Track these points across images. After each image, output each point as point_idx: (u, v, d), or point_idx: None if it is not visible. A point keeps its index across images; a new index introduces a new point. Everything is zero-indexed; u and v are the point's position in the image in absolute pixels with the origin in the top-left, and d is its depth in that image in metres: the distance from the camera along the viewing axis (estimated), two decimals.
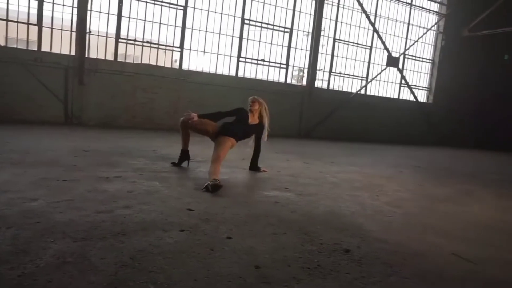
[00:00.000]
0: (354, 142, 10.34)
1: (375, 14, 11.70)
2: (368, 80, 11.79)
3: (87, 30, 7.99)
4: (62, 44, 7.91)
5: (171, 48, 9.08)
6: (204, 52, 9.43)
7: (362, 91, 11.76)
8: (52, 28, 7.82)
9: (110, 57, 8.46)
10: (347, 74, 11.53)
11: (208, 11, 9.33)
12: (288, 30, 10.39)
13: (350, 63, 11.54)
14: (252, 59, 10.00)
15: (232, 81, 9.60)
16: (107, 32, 8.29)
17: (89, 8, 8.00)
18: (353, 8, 11.29)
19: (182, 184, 3.35)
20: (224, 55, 9.67)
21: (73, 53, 7.98)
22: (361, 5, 10.94)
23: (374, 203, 3.37)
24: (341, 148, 8.53)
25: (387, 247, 2.26)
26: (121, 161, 4.19)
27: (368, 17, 11.16)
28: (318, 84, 11.07)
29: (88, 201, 2.58)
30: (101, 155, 4.45)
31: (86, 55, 7.99)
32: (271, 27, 10.16)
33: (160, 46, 8.92)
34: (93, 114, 8.14)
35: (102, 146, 5.16)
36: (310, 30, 10.72)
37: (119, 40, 8.41)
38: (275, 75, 10.45)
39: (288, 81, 10.70)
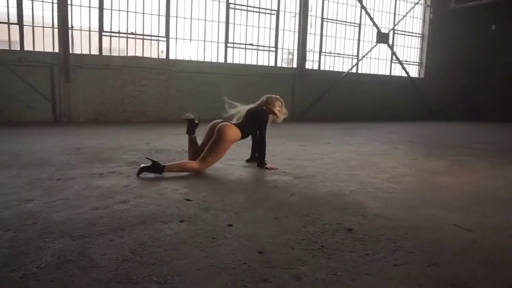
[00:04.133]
0: (348, 122, 10.35)
1: None
2: (359, 58, 11.74)
3: (70, 26, 7.82)
4: (45, 41, 7.73)
5: (156, 38, 8.93)
6: (190, 40, 9.30)
7: (354, 70, 11.71)
8: (33, 26, 7.63)
9: (95, 51, 8.31)
10: (338, 54, 11.45)
11: None
12: (275, 12, 10.26)
13: (339, 42, 11.46)
14: (240, 44, 9.88)
15: (222, 68, 9.50)
16: (90, 26, 8.12)
17: (69, 2, 7.81)
18: None
19: (178, 175, 3.33)
20: (212, 41, 9.54)
21: (57, 50, 7.82)
22: None
23: (373, 180, 3.38)
24: (335, 128, 8.53)
25: (389, 223, 2.27)
26: (114, 156, 4.15)
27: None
28: (308, 65, 11.00)
29: (84, 198, 2.55)
30: (93, 151, 4.40)
31: (71, 51, 7.84)
32: (257, 9, 10.02)
33: (145, 37, 8.77)
34: (83, 111, 8.03)
35: (94, 142, 5.11)
36: (297, 11, 10.59)
37: (103, 33, 8.25)
38: (264, 59, 10.36)
39: (278, 64, 10.61)
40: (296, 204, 2.58)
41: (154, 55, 9.15)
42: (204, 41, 9.46)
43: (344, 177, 3.48)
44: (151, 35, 8.83)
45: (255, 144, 3.98)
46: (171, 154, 4.29)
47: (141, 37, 8.70)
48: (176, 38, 9.09)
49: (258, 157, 3.77)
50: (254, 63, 10.15)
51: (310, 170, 3.73)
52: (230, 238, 1.96)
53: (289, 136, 6.59)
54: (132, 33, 8.58)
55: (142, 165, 3.26)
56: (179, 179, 3.20)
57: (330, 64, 11.42)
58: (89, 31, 8.14)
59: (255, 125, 3.70)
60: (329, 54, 11.34)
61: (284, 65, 11.05)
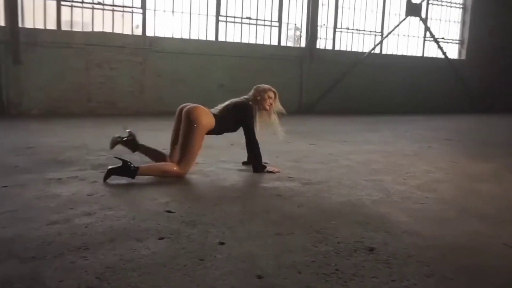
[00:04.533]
0: (369, 115, 10.37)
1: None
2: (384, 36, 11.75)
3: None
4: None
5: (130, 10, 8.92)
6: (173, 12, 9.29)
7: (377, 50, 11.72)
8: None
9: (52, 25, 8.29)
10: (357, 30, 11.47)
11: None
12: None
13: (359, 15, 11.47)
14: (235, 18, 9.89)
15: (212, 47, 9.50)
16: None
17: None
18: None
19: (157, 181, 3.32)
20: (199, 14, 9.55)
21: (2, 23, 7.80)
22: None
23: (400, 188, 3.38)
24: (353, 123, 8.52)
25: (420, 242, 2.26)
26: (76, 157, 4.14)
27: None
28: (320, 44, 11.01)
29: (38, 210, 2.54)
30: (50, 151, 4.39)
31: (20, 25, 7.83)
32: None
33: (115, 8, 8.76)
34: (36, 101, 8.02)
35: (51, 140, 5.09)
36: None
37: (62, 3, 8.23)
38: (265, 37, 10.36)
39: (283, 43, 10.62)
40: (304, 217, 2.58)
41: (127, 31, 9.13)
42: (190, 13, 9.46)
43: (365, 183, 3.49)
44: (123, 6, 8.83)
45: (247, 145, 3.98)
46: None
47: (110, 8, 8.69)
48: (155, 10, 9.08)
49: (253, 161, 3.80)
50: (252, 41, 10.16)
51: (322, 175, 3.73)
52: (222, 260, 1.96)
53: (296, 133, 6.58)
54: (99, 3, 8.57)
55: (109, 167, 3.25)
56: (158, 185, 3.20)
57: (347, 43, 11.44)
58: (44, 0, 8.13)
59: (233, 121, 3.71)
60: (345, 31, 11.35)
61: (290, 44, 11.06)
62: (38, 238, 2.14)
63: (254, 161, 3.78)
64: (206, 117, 3.48)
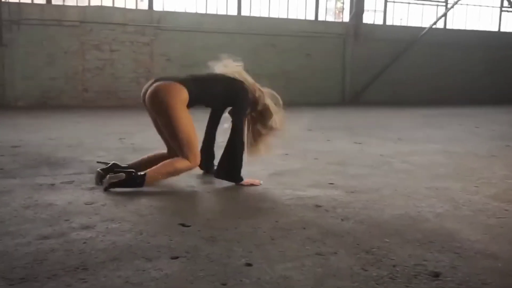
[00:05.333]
0: (430, 106, 10.23)
1: None
2: (449, 6, 11.55)
3: None
4: None
5: None
6: None
7: (439, 24, 11.54)
8: None
9: None
10: None
11: None
12: None
13: None
14: None
15: (232, 23, 9.55)
16: None
17: None
18: None
19: (168, 187, 3.35)
20: None
21: None
22: None
23: (472, 198, 3.33)
24: (411, 116, 8.42)
25: (499, 266, 2.22)
26: (71, 158, 4.21)
27: None
28: (368, 18, 10.91)
29: (27, 222, 2.60)
30: (40, 151, 4.48)
31: None
32: None
33: None
34: (22, 90, 8.22)
35: (41, 137, 5.20)
36: None
37: None
38: (299, 10, 10.33)
39: (321, 17, 10.57)
40: (351, 233, 2.56)
41: (131, 5, 9.26)
42: None
43: (426, 192, 3.45)
44: None
45: (210, 139, 3.86)
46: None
47: None
48: None
49: (228, 165, 3.54)
50: (282, 16, 10.15)
51: (372, 181, 3.71)
52: (249, 285, 1.96)
53: (338, 129, 6.54)
54: None
55: (109, 176, 3.24)
56: (170, 192, 3.23)
57: (402, 16, 11.29)
58: None
59: (220, 95, 3.58)
60: (400, 1, 11.21)
61: (330, 18, 11.00)
62: (27, 255, 2.19)
63: (231, 166, 3.52)
64: (173, 90, 3.35)
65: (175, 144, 3.41)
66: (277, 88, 10.63)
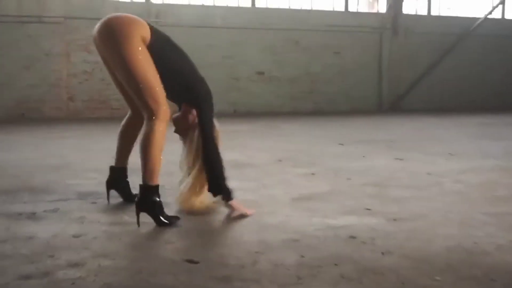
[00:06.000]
0: (486, 113, 10.12)
1: None
2: None
3: None
4: None
5: None
6: None
7: (496, 14, 11.48)
8: None
9: None
10: None
11: None
12: None
13: None
14: None
15: (246, 17, 9.59)
16: None
17: None
18: None
19: (171, 214, 3.35)
20: None
21: None
22: None
23: None
24: (462, 125, 8.36)
25: None
26: (55, 181, 4.23)
27: None
28: (409, 8, 10.89)
29: (5, 258, 2.61)
30: (17, 173, 4.52)
31: None
32: None
33: None
34: None
35: (19, 156, 5.24)
36: None
37: None
38: (325, 1, 10.35)
39: (352, 7, 10.59)
40: (393, 270, 2.54)
41: None
42: None
43: (484, 218, 3.40)
44: None
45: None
46: (161, 176, 4.32)
47: None
48: None
49: (211, 178, 3.50)
50: (306, 7, 10.18)
51: (417, 206, 3.68)
52: None
53: (375, 142, 6.53)
54: None
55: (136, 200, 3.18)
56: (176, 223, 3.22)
57: (449, 5, 11.27)
58: None
59: (184, 79, 3.46)
60: None
61: (363, 9, 11.01)
62: None
63: (213, 178, 3.47)
64: (132, 26, 3.16)
65: (135, 96, 3.23)
66: (300, 94, 10.69)
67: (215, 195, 3.48)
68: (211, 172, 3.47)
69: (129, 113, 3.67)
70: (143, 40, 3.16)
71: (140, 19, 3.22)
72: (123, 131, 3.68)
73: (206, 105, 3.51)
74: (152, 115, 3.19)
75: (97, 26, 3.23)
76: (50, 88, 8.59)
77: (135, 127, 3.59)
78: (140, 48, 3.11)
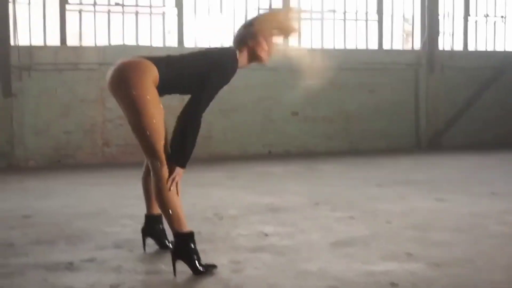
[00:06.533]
0: None
1: None
2: None
3: None
4: None
5: (160, 11, 9.33)
6: (221, 10, 9.60)
7: None
8: None
9: (54, 39, 8.83)
10: (501, 17, 11.24)
11: None
12: None
13: None
14: (311, 12, 10.04)
15: (280, 57, 9.63)
16: None
17: None
18: None
19: (207, 262, 3.34)
20: (259, 9, 9.76)
21: None
22: None
23: None
24: (504, 163, 8.25)
25: None
26: (91, 229, 4.27)
27: None
28: (444, 44, 10.84)
29: None
30: (54, 221, 4.57)
31: (13, 43, 8.38)
32: None
33: (140, 9, 9.20)
34: (34, 147, 8.46)
35: (55, 204, 5.31)
36: None
37: (67, 6, 8.76)
38: (358, 38, 10.38)
39: (386, 45, 10.59)
40: None
41: (158, 42, 9.52)
42: (246, 10, 9.71)
43: None
44: (150, 6, 9.25)
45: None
46: (196, 221, 4.34)
47: (133, 9, 9.15)
48: (195, 9, 9.44)
49: (177, 151, 3.31)
50: (339, 46, 10.21)
51: (462, 250, 3.61)
52: None
53: (414, 182, 6.45)
54: (117, 4, 9.05)
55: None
56: (218, 274, 3.20)
57: (487, 38, 11.19)
58: (44, 4, 8.67)
59: (195, 76, 3.35)
60: (484, 19, 11.14)
61: (397, 46, 11.00)
62: None
63: (178, 151, 3.28)
64: (141, 71, 3.19)
65: (141, 141, 3.24)
66: (336, 133, 10.62)
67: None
68: (180, 147, 3.26)
69: (146, 159, 3.67)
70: (154, 82, 3.20)
71: (148, 62, 3.22)
72: (145, 178, 3.69)
73: (215, 80, 3.38)
74: (157, 161, 3.21)
75: (109, 72, 3.28)
76: (85, 134, 8.71)
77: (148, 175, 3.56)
78: (149, 97, 3.16)
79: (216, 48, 3.51)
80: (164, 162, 3.20)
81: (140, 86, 3.14)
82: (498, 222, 4.38)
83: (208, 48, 3.46)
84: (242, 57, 3.49)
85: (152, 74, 3.20)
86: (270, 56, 3.56)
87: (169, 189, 3.19)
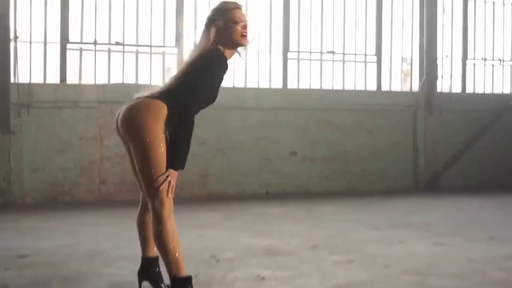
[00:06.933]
0: None
1: None
2: None
3: (12, 35, 8.52)
4: None
5: (161, 51, 9.45)
6: None
7: None
8: None
9: (54, 77, 8.91)
10: (499, 60, 11.39)
11: None
12: None
13: (502, 38, 11.42)
14: (311, 52, 10.17)
15: (278, 97, 9.73)
16: (45, 36, 8.80)
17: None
18: None
19: None
20: (259, 51, 9.89)
21: None
22: None
23: None
24: (502, 207, 8.26)
25: None
26: (87, 270, 4.28)
27: None
28: (442, 86, 10.95)
29: None
30: (51, 262, 4.57)
31: (13, 80, 8.48)
32: None
33: (140, 48, 9.31)
34: (31, 185, 8.47)
35: (52, 243, 5.31)
36: None
37: (68, 45, 8.89)
38: (357, 79, 10.48)
39: (384, 86, 10.69)
40: None
41: (157, 80, 9.60)
42: (246, 51, 9.81)
43: None
44: (150, 45, 9.37)
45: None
46: (193, 263, 4.35)
47: (133, 49, 9.27)
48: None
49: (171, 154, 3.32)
50: (337, 87, 10.30)
51: None
52: None
53: (412, 225, 6.46)
54: (118, 43, 9.17)
55: None
56: None
57: (487, 80, 11.31)
58: (45, 43, 8.81)
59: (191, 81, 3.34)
60: (481, 62, 11.27)
61: (396, 87, 11.12)
62: None
63: (173, 153, 3.30)
64: (154, 114, 3.25)
65: (145, 182, 3.29)
66: (334, 174, 10.61)
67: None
68: (178, 152, 3.30)
69: (141, 201, 3.70)
70: (164, 120, 3.25)
71: (161, 103, 3.26)
72: (140, 219, 3.74)
73: (203, 73, 3.37)
74: (159, 201, 3.23)
75: (121, 110, 3.35)
76: (82, 172, 8.74)
77: (150, 216, 3.60)
78: (162, 144, 3.23)
79: (199, 52, 3.41)
80: (166, 203, 3.23)
81: (154, 132, 3.21)
82: (497, 268, 4.39)
83: (192, 58, 3.36)
84: (225, 51, 3.48)
85: (164, 114, 3.25)
86: (247, 36, 3.51)
87: (167, 195, 3.23)
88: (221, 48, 3.45)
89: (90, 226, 6.40)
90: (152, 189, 3.25)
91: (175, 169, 3.28)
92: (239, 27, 3.44)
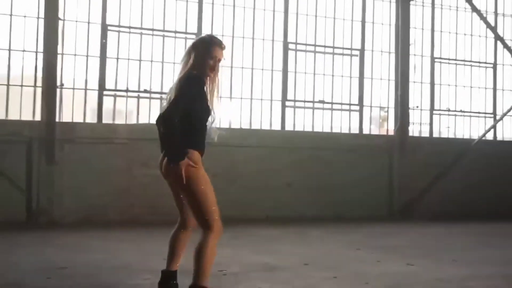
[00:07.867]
0: (486, 222, 9.89)
1: (495, 12, 11.78)
2: (497, 118, 11.60)
3: (58, 83, 8.64)
4: (22, 105, 8.53)
5: None
6: (230, 98, 9.83)
7: (489, 136, 11.53)
8: (8, 85, 8.51)
9: (92, 118, 9.03)
10: (460, 111, 11.47)
11: (234, 36, 9.85)
12: (357, 52, 10.70)
13: (463, 92, 11.53)
14: (305, 101, 10.28)
15: (277, 137, 9.80)
16: (86, 83, 8.94)
17: (59, 51, 8.71)
18: (456, 7, 11.49)
19: None
20: (262, 99, 10.00)
21: (38, 117, 8.58)
22: (469, 0, 11.06)
23: None
24: (465, 233, 8.25)
25: None
26: (115, 281, 4.31)
27: (483, 18, 11.26)
28: (414, 131, 11.04)
29: None
30: (87, 273, 4.60)
31: (58, 119, 8.57)
32: (330, 50, 10.53)
33: (164, 95, 9.40)
34: (70, 207, 8.49)
35: (86, 258, 5.33)
36: (392, 49, 10.96)
37: (105, 92, 9.00)
38: (343, 124, 10.58)
39: (365, 130, 10.78)
40: None
41: None
42: (251, 99, 9.95)
43: None
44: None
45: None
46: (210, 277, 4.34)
47: (157, 95, 9.38)
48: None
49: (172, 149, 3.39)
50: (326, 130, 10.40)
51: None
52: None
53: (387, 248, 6.44)
54: (145, 91, 9.29)
55: None
56: None
57: (448, 125, 11.42)
58: (85, 89, 8.94)
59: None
60: (446, 112, 11.37)
61: (374, 130, 11.19)
62: None
63: (173, 147, 3.38)
64: (200, 164, 3.35)
65: (196, 214, 3.38)
66: (323, 202, 10.52)
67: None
68: (174, 143, 3.39)
69: (179, 221, 3.73)
70: (201, 166, 3.36)
71: (198, 154, 3.39)
72: (175, 236, 3.73)
73: (186, 90, 3.38)
74: (208, 229, 3.32)
75: (165, 166, 3.43)
76: (114, 197, 8.74)
77: (185, 234, 3.69)
78: (205, 182, 3.33)
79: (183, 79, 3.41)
80: (215, 230, 3.32)
81: (203, 179, 3.32)
82: (459, 287, 4.39)
83: (177, 84, 3.42)
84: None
85: (199, 159, 3.37)
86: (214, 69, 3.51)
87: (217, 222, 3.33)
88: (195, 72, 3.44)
89: (118, 243, 6.41)
90: (203, 219, 3.34)
91: (178, 161, 3.28)
92: (211, 61, 3.46)
